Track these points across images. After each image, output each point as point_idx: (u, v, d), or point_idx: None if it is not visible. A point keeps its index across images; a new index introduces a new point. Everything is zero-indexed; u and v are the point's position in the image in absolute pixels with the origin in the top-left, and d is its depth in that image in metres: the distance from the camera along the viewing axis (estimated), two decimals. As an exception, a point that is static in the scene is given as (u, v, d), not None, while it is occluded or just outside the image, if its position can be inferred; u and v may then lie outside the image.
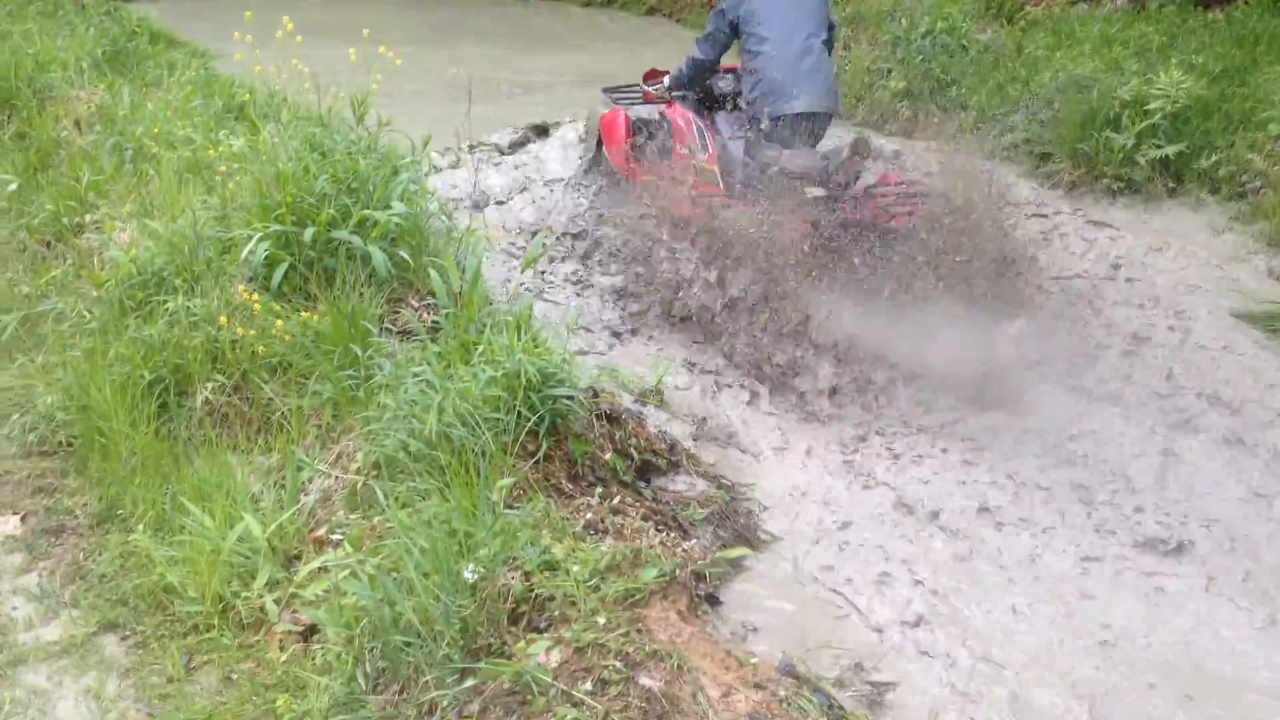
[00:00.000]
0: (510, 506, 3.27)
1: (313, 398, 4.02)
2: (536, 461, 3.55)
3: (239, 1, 12.73)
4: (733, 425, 4.65)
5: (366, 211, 4.53)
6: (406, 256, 4.55)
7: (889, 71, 8.25)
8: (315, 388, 4.04)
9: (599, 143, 6.31)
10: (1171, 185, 6.28)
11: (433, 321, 4.23)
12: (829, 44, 5.34)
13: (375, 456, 3.59)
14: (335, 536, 3.48)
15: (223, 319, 4.24)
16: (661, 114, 5.89)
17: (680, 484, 4.09)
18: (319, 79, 5.33)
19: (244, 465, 3.91)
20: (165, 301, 4.43)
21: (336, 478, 3.70)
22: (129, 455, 3.98)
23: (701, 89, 5.77)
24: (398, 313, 4.42)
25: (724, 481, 4.21)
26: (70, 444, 4.30)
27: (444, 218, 5.10)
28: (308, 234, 4.44)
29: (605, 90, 6.59)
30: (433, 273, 4.22)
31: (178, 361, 4.22)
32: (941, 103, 7.82)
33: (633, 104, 6.24)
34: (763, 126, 5.13)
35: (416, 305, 4.51)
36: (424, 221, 4.84)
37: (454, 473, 3.32)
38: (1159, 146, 6.23)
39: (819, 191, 4.93)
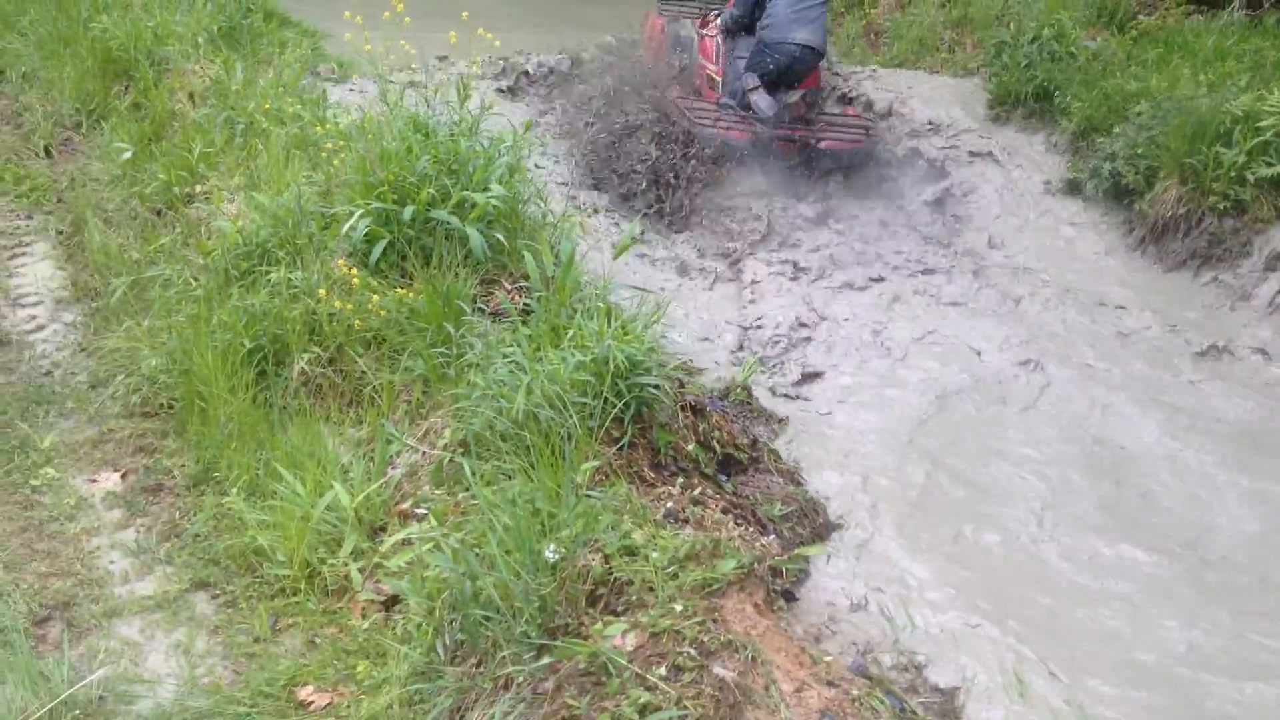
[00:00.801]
0: (593, 490, 3.31)
1: (404, 373, 4.10)
2: (621, 448, 3.58)
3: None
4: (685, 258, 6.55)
5: (466, 193, 4.59)
6: (502, 239, 4.61)
7: (990, 76, 8.12)
8: (407, 363, 4.12)
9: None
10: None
11: (524, 304, 4.28)
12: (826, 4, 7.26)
13: (463, 434, 3.65)
14: (420, 510, 3.54)
15: (322, 292, 4.34)
16: (698, 28, 8.01)
17: (760, 481, 4.10)
18: (426, 60, 5.42)
19: (335, 436, 4.00)
20: (268, 272, 4.54)
21: (424, 453, 3.77)
22: (226, 420, 4.10)
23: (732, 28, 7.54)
24: (491, 294, 4.48)
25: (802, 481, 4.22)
26: (171, 407, 4.44)
27: (540, 202, 5.15)
28: (407, 213, 4.52)
29: (662, 8, 8.66)
30: (528, 256, 4.26)
31: (277, 331, 4.33)
32: (1044, 108, 7.67)
33: (677, 16, 8.39)
34: (761, 56, 7.13)
35: (509, 288, 4.56)
36: (521, 205, 4.90)
37: (539, 453, 3.36)
38: (1269, 165, 6.02)
39: (768, 110, 7.03)
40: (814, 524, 4.04)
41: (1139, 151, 6.64)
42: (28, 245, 6.07)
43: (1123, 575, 3.91)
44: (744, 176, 7.01)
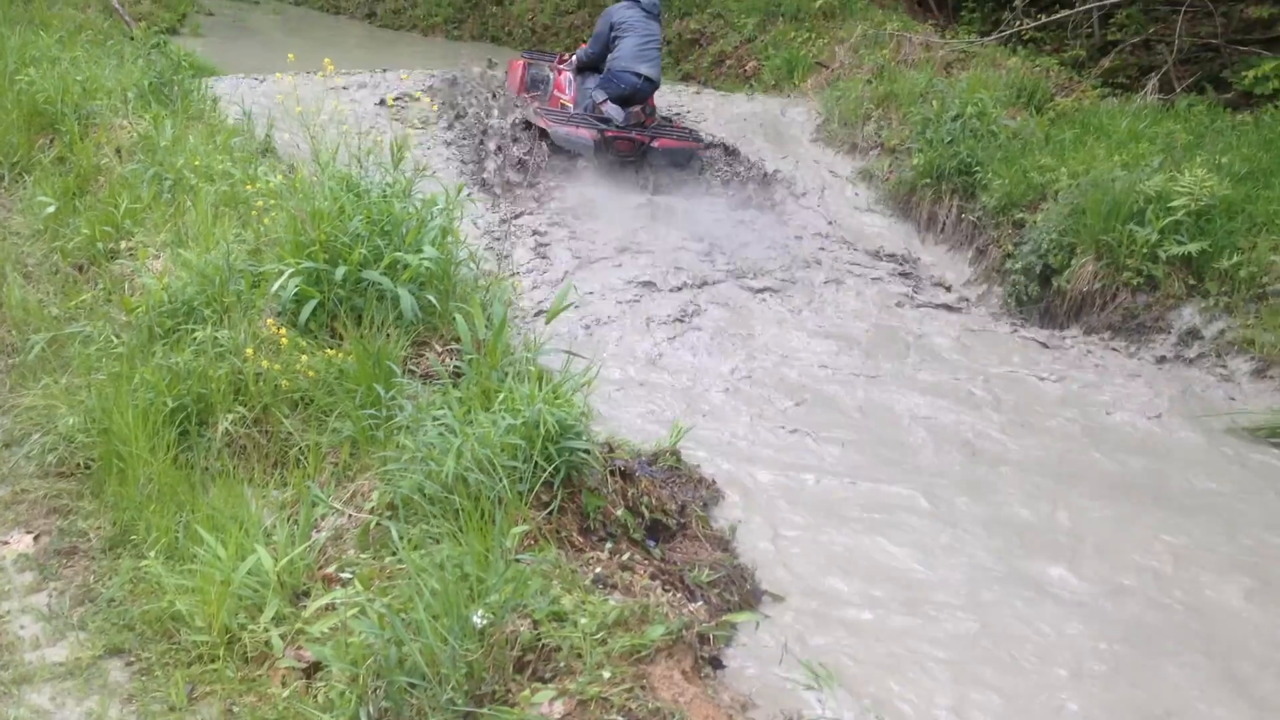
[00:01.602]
0: (522, 555, 3.28)
1: (332, 435, 4.05)
2: (550, 513, 3.57)
3: (283, 41, 12.97)
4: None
5: (398, 254, 4.59)
6: (434, 301, 4.61)
7: (914, 150, 8.35)
8: (335, 425, 4.07)
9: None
10: (1191, 283, 6.30)
11: (455, 367, 4.27)
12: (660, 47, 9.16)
13: (390, 497, 3.61)
14: (345, 575, 3.48)
15: (249, 351, 4.28)
16: (552, 68, 9.73)
17: (687, 547, 4.11)
18: (357, 120, 5.43)
19: (259, 498, 3.93)
20: (194, 331, 4.48)
21: (350, 516, 3.72)
22: (146, 481, 4.00)
23: (585, 65, 9.35)
24: (422, 355, 4.46)
25: (731, 547, 4.23)
26: (88, 467, 4.32)
27: (473, 265, 5.16)
28: (339, 272, 4.50)
29: (525, 52, 10.80)
30: (459, 319, 4.26)
31: (201, 391, 4.26)
32: (965, 184, 7.91)
33: (534, 60, 10.09)
34: (611, 80, 8.94)
35: (440, 350, 4.55)
36: (453, 267, 4.91)
37: (469, 517, 3.34)
38: (1181, 243, 6.26)
39: (618, 115, 8.81)
40: (741, 590, 4.04)
41: (1059, 229, 6.86)
42: (-58, 299, 5.90)
43: (1073, 644, 3.95)
44: (586, 169, 8.64)
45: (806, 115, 10.17)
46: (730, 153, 9.38)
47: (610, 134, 8.63)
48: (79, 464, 4.35)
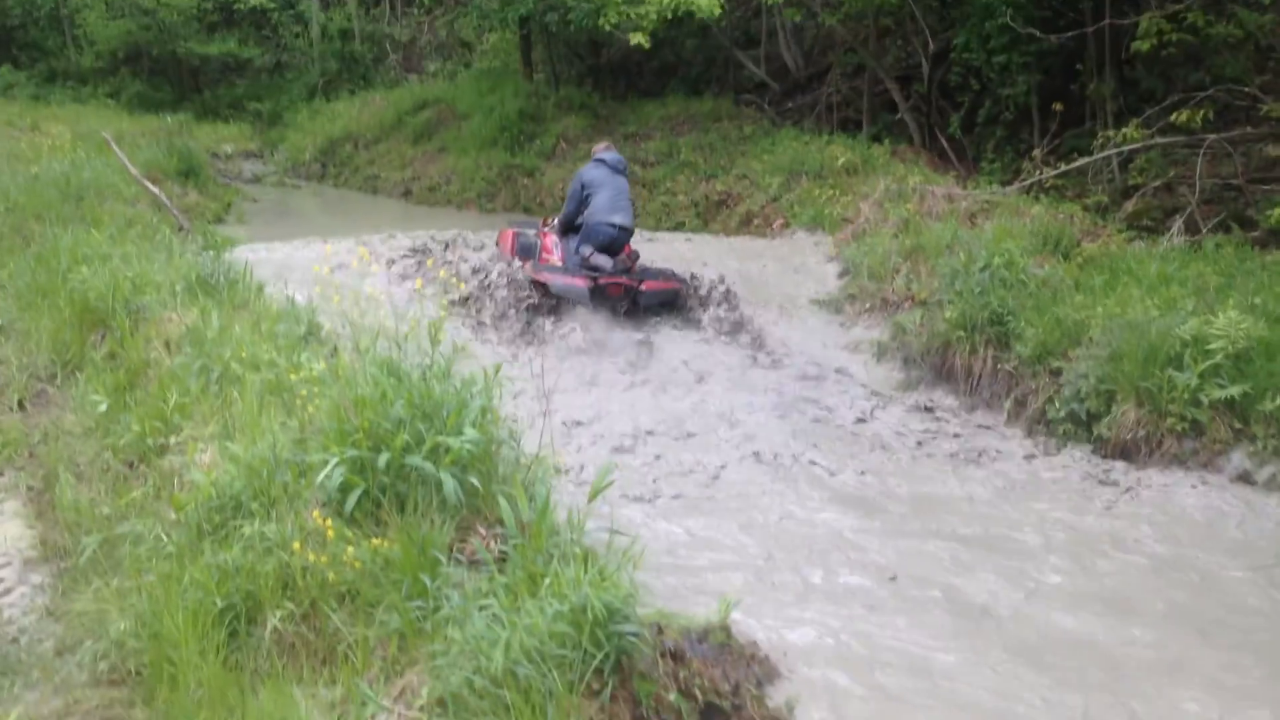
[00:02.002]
0: (575, 751, 3.22)
1: (380, 628, 4.03)
2: (602, 703, 3.51)
3: (323, 220, 13.38)
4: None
5: (440, 438, 4.64)
6: (477, 483, 4.63)
7: (946, 302, 8.42)
8: (382, 617, 4.06)
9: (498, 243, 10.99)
10: (1238, 426, 6.22)
11: (500, 551, 4.27)
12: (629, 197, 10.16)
13: (440, 693, 3.57)
14: (396, 777, 3.43)
15: (296, 545, 4.30)
16: (538, 234, 10.51)
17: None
18: (395, 305, 5.58)
19: (308, 698, 3.89)
20: (241, 526, 4.52)
21: (400, 714, 3.67)
22: (196, 686, 3.99)
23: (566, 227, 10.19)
24: (466, 541, 4.46)
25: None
26: (139, 673, 4.31)
27: (514, 444, 5.20)
28: (382, 460, 4.55)
29: (511, 224, 11.49)
30: (502, 501, 4.27)
31: (249, 588, 4.27)
32: (998, 334, 7.94)
33: (522, 228, 10.90)
34: (591, 234, 9.72)
35: (485, 533, 4.55)
36: (494, 448, 4.94)
37: (518, 713, 3.29)
38: (1222, 387, 6.20)
39: (607, 264, 9.59)
40: (802, 772, 3.92)
41: (1097, 375, 6.82)
42: (-3, 503, 6.02)
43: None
44: (581, 312, 9.36)
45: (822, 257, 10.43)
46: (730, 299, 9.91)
47: (603, 280, 9.42)
48: (131, 670, 4.34)
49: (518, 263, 10.10)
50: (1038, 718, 4.37)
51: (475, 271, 9.81)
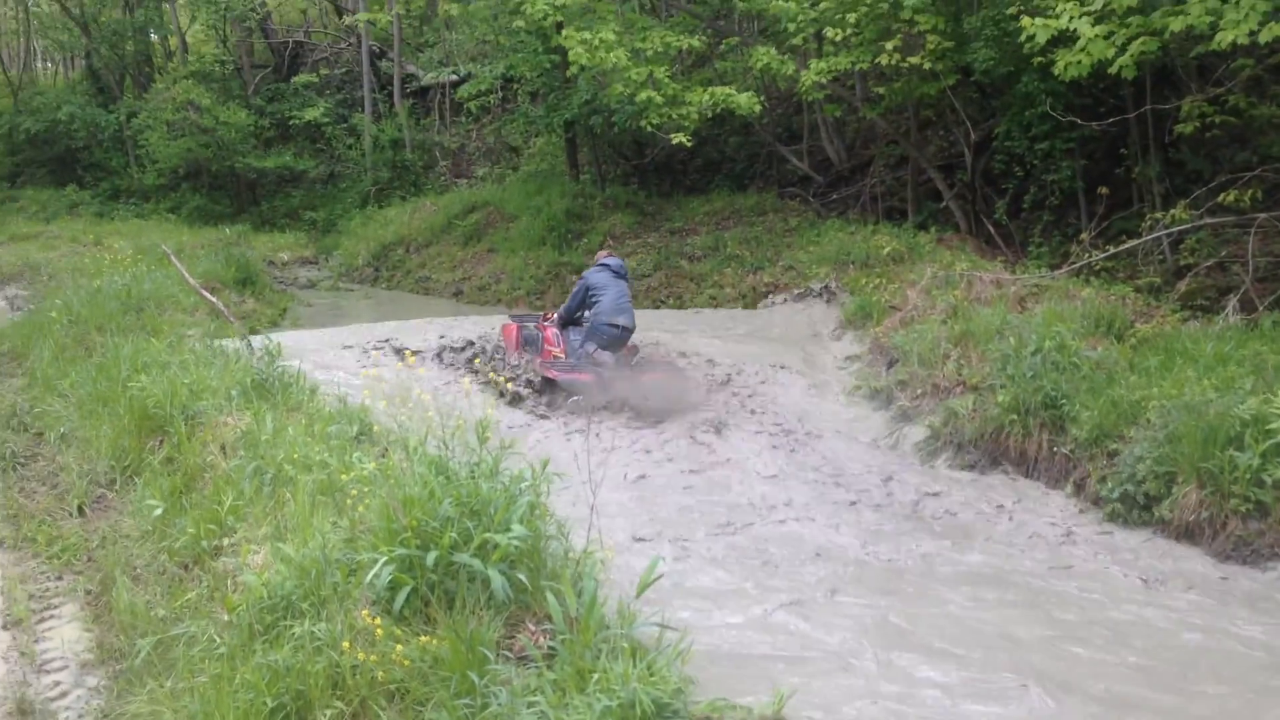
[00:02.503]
0: None
1: (428, 728, 4.01)
2: (652, 801, 3.45)
3: (375, 321, 13.78)
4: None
5: (488, 535, 4.65)
6: (525, 579, 4.63)
7: (999, 387, 8.34)
8: (431, 715, 4.04)
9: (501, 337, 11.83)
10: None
11: (549, 646, 4.24)
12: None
13: (489, 791, 3.53)
14: None
15: (345, 644, 4.31)
16: (538, 328, 11.30)
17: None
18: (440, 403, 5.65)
19: (358, 804, 3.87)
20: (292, 626, 4.54)
21: (449, 814, 3.63)
22: (247, 787, 3.98)
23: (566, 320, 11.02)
24: (514, 637, 4.44)
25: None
26: (192, 781, 4.32)
27: (561, 539, 5.20)
28: (430, 558, 4.57)
29: (513, 316, 12.43)
30: (550, 598, 4.27)
31: (300, 687, 4.28)
32: (1052, 418, 7.83)
33: (523, 321, 11.71)
34: (596, 333, 10.46)
35: (533, 629, 4.54)
36: (542, 544, 4.95)
37: (567, 812, 3.24)
38: (1286, 468, 6.08)
39: (609, 360, 10.34)
40: None
41: (1155, 457, 6.70)
42: (56, 607, 6.12)
43: None
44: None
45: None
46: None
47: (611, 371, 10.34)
48: (182, 778, 4.35)
49: (526, 357, 10.92)
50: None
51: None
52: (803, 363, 11.15)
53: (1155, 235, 10.91)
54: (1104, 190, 12.30)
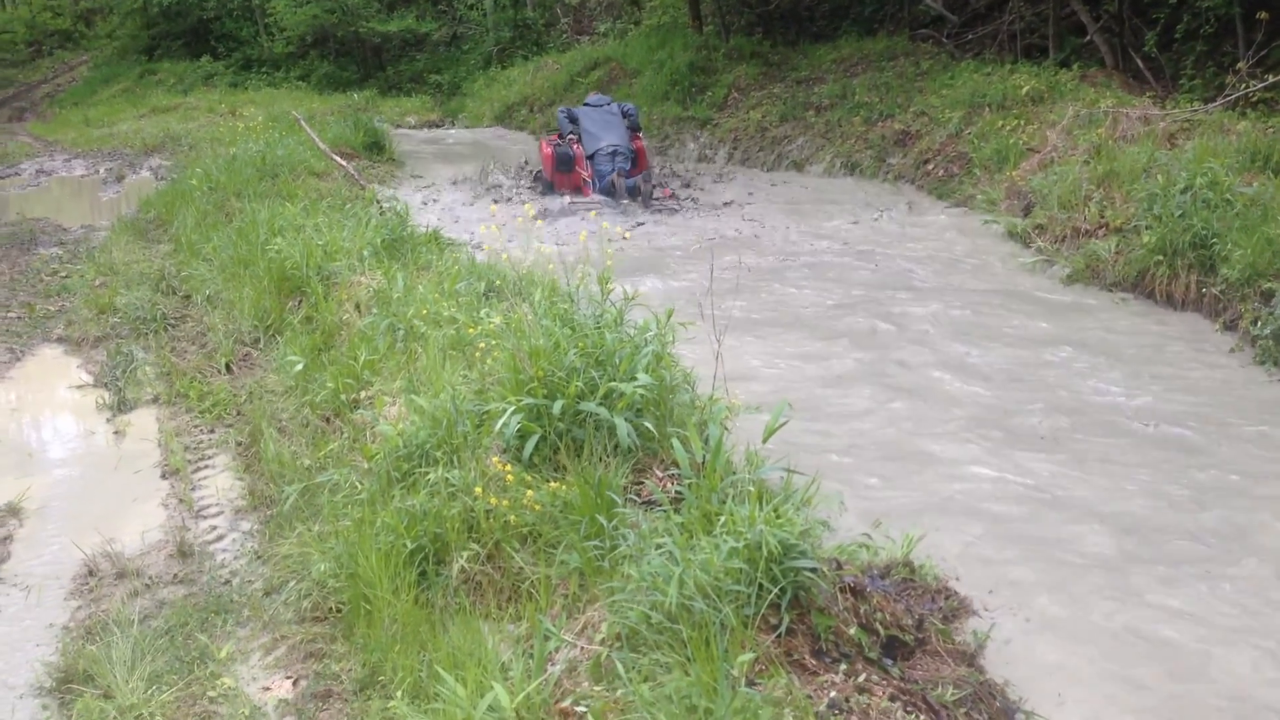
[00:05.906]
0: (752, 682, 3.22)
1: (560, 567, 4.12)
2: (779, 636, 3.49)
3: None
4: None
5: (613, 384, 4.69)
6: (651, 427, 4.66)
7: (1144, 228, 7.95)
8: (563, 557, 4.14)
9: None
10: None
11: (676, 491, 4.29)
12: (631, 124, 13.79)
13: (619, 628, 3.62)
14: (580, 708, 3.50)
15: (478, 489, 4.43)
16: (572, 148, 13.39)
17: (928, 664, 3.92)
18: (563, 258, 5.66)
19: (495, 633, 4.02)
20: (427, 473, 4.68)
21: (581, 648, 3.75)
22: (391, 622, 4.17)
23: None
24: (641, 483, 4.51)
25: (977, 662, 4.01)
26: (339, 610, 4.54)
27: (688, 388, 5.22)
28: (557, 407, 4.63)
29: (546, 136, 14.87)
30: (676, 444, 4.29)
31: (437, 531, 4.43)
32: (1201, 258, 7.45)
33: (557, 141, 13.62)
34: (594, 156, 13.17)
35: (660, 475, 4.59)
36: (667, 392, 4.97)
37: (694, 647, 3.31)
38: None
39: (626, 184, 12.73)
40: (991, 708, 3.82)
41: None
42: (210, 458, 6.44)
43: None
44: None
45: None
46: None
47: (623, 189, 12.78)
48: (331, 608, 4.58)
49: (567, 198, 12.89)
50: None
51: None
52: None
53: (1320, 60, 10.14)
54: (1263, 15, 11.38)
